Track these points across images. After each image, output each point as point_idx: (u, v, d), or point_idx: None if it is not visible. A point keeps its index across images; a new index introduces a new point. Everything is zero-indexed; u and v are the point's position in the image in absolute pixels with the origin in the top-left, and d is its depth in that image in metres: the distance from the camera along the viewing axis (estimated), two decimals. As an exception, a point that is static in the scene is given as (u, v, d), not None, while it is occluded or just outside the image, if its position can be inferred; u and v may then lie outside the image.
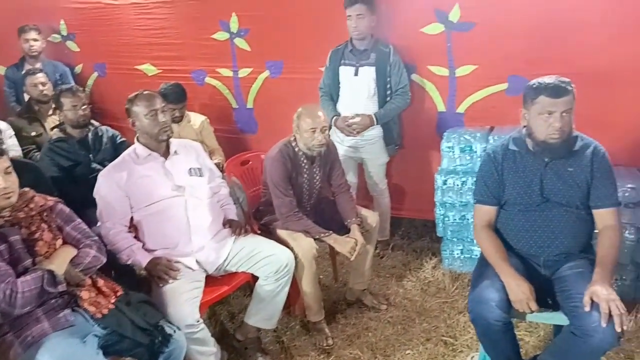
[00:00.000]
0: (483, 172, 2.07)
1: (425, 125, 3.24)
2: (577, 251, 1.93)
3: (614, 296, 1.66)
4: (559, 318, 1.86)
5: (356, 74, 2.99)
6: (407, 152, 3.31)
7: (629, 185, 2.55)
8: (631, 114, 2.78)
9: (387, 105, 2.99)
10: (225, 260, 2.30)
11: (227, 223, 2.42)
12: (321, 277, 3.10)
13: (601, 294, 1.67)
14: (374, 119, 2.97)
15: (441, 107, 3.19)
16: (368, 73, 2.96)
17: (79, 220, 1.98)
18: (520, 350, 2.32)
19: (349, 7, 2.88)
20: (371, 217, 2.67)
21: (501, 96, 2.99)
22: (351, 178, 3.10)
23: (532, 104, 1.85)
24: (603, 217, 1.91)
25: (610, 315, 1.63)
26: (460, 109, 3.14)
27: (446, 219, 3.00)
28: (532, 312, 1.81)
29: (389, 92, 2.99)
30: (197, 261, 2.23)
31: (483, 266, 2.01)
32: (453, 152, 2.93)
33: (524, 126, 1.94)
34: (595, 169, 1.89)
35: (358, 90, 3.00)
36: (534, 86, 1.86)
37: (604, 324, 1.63)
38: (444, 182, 2.95)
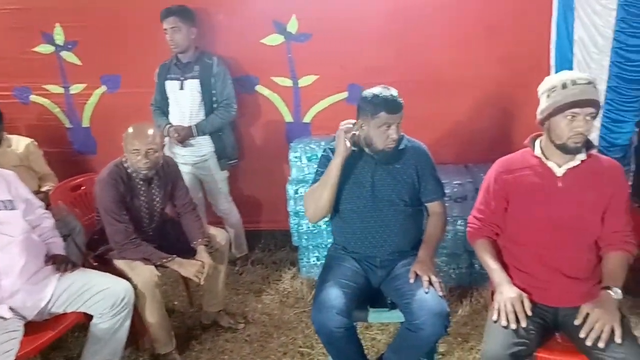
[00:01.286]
0: (318, 171, 2.09)
1: (275, 137, 3.24)
2: (409, 248, 2.04)
3: (432, 269, 1.89)
4: (396, 316, 1.93)
5: (182, 87, 2.90)
6: (259, 164, 3.28)
7: (457, 182, 2.79)
8: (456, 116, 3.07)
9: (209, 117, 2.93)
10: (49, 302, 2.03)
11: (51, 259, 2.14)
12: (176, 303, 2.93)
13: (421, 269, 1.86)
14: (194, 129, 2.90)
15: (288, 117, 3.22)
16: (193, 86, 2.89)
17: None
18: (373, 349, 2.41)
19: (164, 19, 2.81)
20: (220, 236, 2.56)
21: (342, 105, 3.10)
22: (196, 195, 2.98)
23: (371, 118, 1.92)
24: (433, 208, 2.09)
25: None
26: (306, 118, 3.20)
27: (300, 227, 3.02)
28: None
29: (215, 105, 2.93)
30: (10, 308, 1.93)
31: (325, 272, 2.03)
32: (300, 161, 2.96)
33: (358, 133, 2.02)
34: (420, 166, 2.03)
35: (184, 104, 2.92)
36: (373, 102, 1.91)
37: (425, 290, 1.80)
38: (295, 192, 2.97)
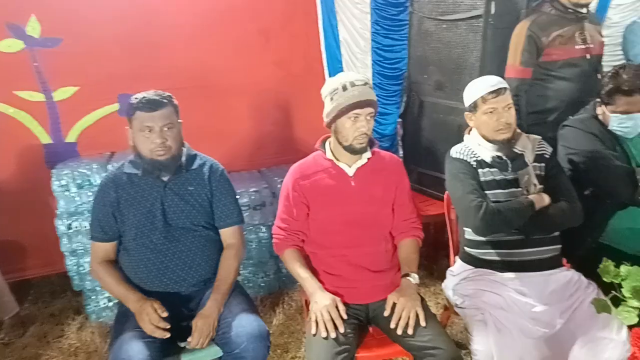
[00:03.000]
0: (95, 204, 1.80)
1: (30, 163, 2.65)
2: (213, 274, 1.84)
3: (215, 324, 1.69)
4: (213, 351, 1.73)
5: None
6: (13, 199, 2.64)
7: (254, 189, 2.70)
8: (242, 122, 2.98)
9: None
10: None
11: None
12: None
13: (202, 328, 1.65)
14: None
15: (45, 138, 2.66)
16: None
17: None
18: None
19: None
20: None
21: (114, 117, 2.71)
22: None
23: (131, 122, 1.70)
24: (227, 235, 1.88)
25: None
26: (71, 137, 2.70)
27: (81, 268, 2.53)
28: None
29: None
30: None
31: (119, 322, 1.70)
32: (69, 190, 2.46)
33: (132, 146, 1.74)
34: (214, 187, 1.84)
35: None
36: (131, 102, 1.70)
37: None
38: (68, 227, 2.47)
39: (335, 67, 3.13)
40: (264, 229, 2.71)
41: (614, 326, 1.53)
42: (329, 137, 1.85)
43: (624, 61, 2.08)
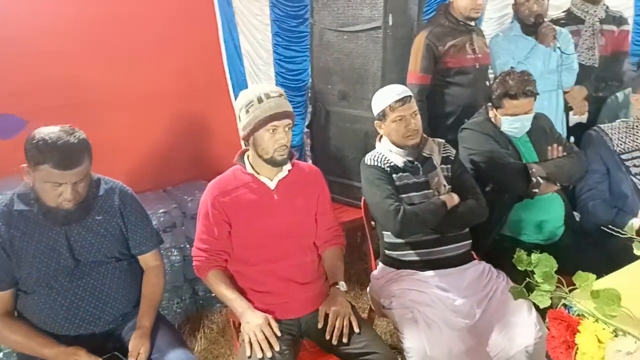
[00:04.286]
0: None
1: None
2: (132, 307, 1.69)
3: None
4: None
5: None
6: None
7: (162, 210, 2.54)
8: (143, 138, 2.79)
9: None
10: None
11: None
12: None
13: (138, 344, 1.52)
14: None
15: None
16: None
17: None
18: None
19: None
20: None
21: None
22: None
23: (34, 168, 1.45)
24: (147, 260, 1.76)
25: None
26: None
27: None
28: None
29: None
30: None
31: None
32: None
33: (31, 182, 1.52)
34: (127, 213, 1.69)
35: None
36: (34, 148, 1.43)
37: None
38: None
39: (239, 79, 3.07)
40: (175, 252, 2.56)
41: (524, 310, 1.67)
42: (246, 150, 1.80)
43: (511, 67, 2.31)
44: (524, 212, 2.10)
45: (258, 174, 1.75)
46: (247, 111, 1.68)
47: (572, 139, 2.80)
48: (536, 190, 2.01)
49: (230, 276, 1.77)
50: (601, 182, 2.15)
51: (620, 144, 2.13)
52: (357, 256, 3.07)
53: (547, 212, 2.10)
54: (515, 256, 1.40)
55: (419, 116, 1.92)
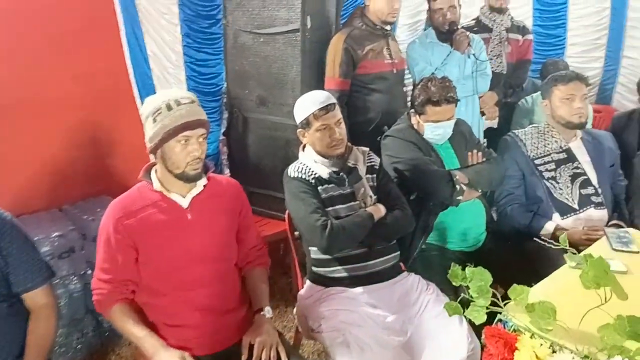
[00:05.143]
0: None
1: None
2: (14, 357, 1.42)
3: None
4: None
5: None
6: None
7: (57, 233, 2.22)
8: (38, 148, 2.43)
9: None
10: None
11: None
12: None
13: None
14: None
15: None
16: None
17: None
18: None
19: None
20: None
21: None
22: None
23: None
24: (35, 298, 1.48)
25: None
26: None
27: None
28: None
29: None
30: None
31: None
32: None
33: None
34: (5, 247, 1.41)
35: None
36: None
37: None
38: None
39: (145, 83, 2.81)
40: (75, 280, 2.25)
41: (455, 323, 1.63)
42: (154, 164, 1.59)
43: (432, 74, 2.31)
44: (449, 220, 2.08)
45: (168, 191, 1.54)
46: (154, 120, 1.48)
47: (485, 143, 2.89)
48: (460, 197, 2.00)
49: (139, 310, 1.55)
50: (518, 187, 2.19)
51: (534, 149, 2.19)
52: (281, 270, 2.93)
53: (471, 219, 2.11)
54: (449, 272, 1.34)
55: (343, 124, 1.83)
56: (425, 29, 3.84)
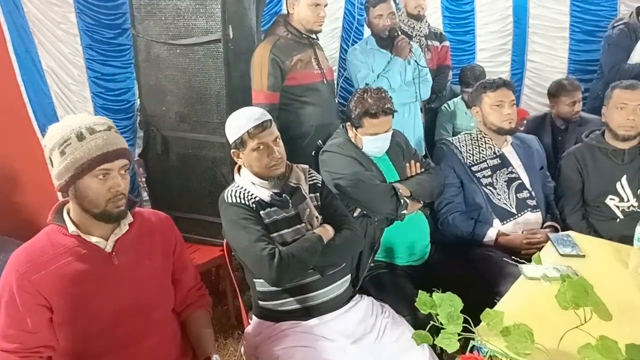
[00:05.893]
0: None
1: None
2: None
3: None
4: None
5: None
6: None
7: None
8: None
9: None
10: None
11: None
12: None
13: None
14: None
15: None
16: None
17: None
18: None
19: None
20: None
21: None
22: None
23: None
24: None
25: None
26: None
27: None
28: None
29: None
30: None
31: None
32: None
33: None
34: None
35: None
36: None
37: None
38: None
39: (43, 102, 2.45)
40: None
41: (417, 348, 1.54)
42: (65, 203, 1.34)
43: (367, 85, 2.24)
44: (394, 235, 2.01)
45: (86, 233, 1.30)
46: (63, 152, 1.23)
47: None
48: (405, 211, 1.94)
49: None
50: (457, 195, 2.18)
51: (469, 156, 2.20)
52: (215, 299, 2.69)
53: (415, 232, 2.06)
54: (417, 299, 1.25)
55: (281, 142, 1.68)
56: (342, 36, 3.81)
